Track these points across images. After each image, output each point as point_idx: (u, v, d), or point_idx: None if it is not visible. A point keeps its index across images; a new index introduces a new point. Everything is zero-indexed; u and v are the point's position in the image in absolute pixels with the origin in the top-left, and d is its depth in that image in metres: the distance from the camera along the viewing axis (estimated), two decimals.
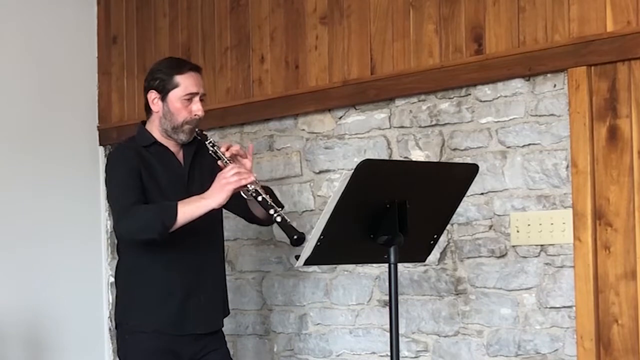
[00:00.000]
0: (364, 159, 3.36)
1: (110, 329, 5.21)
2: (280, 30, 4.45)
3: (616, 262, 3.47)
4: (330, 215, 2.93)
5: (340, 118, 4.26)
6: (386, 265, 3.03)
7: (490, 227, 3.79)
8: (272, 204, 3.37)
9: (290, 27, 4.41)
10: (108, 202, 3.64)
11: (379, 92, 4.08)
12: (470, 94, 3.85)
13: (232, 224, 4.57)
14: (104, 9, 5.25)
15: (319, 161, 4.32)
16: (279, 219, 3.34)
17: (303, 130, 4.39)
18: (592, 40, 3.49)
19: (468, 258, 3.84)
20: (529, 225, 3.67)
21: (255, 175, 3.42)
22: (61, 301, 4.98)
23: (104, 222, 5.25)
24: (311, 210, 4.34)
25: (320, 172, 4.32)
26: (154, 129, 3.63)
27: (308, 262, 3.04)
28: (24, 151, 4.92)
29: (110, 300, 5.22)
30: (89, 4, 5.27)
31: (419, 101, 3.99)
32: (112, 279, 5.20)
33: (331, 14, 4.25)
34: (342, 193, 2.90)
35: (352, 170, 2.89)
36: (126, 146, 3.65)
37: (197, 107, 3.55)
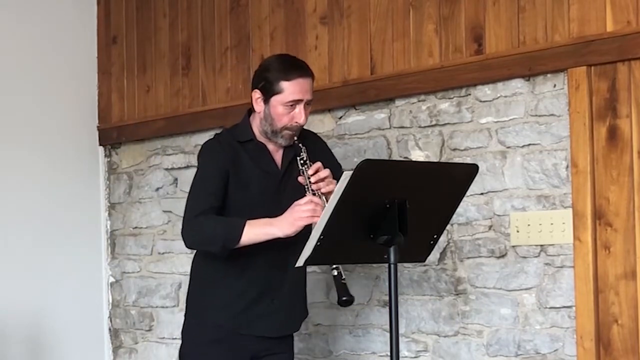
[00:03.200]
0: (364, 159, 3.36)
1: (110, 329, 5.21)
2: (280, 30, 4.45)
3: (616, 262, 3.47)
4: (330, 215, 2.93)
5: (340, 118, 4.26)
6: (386, 265, 3.03)
7: (490, 227, 3.79)
8: None
9: (290, 27, 4.41)
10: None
11: (379, 92, 4.08)
12: (470, 94, 3.86)
13: None
14: (104, 9, 5.26)
15: None
16: (335, 273, 3.22)
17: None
18: (592, 40, 3.49)
19: (468, 258, 3.84)
20: (528, 225, 3.67)
21: None
22: (61, 301, 4.98)
23: (104, 222, 5.24)
24: None
25: None
26: (255, 126, 3.50)
27: (308, 262, 3.04)
28: (23, 151, 4.92)
29: (110, 300, 5.22)
30: (89, 4, 5.27)
31: (419, 101, 3.99)
32: (113, 279, 5.21)
33: (331, 14, 4.25)
34: (342, 193, 2.90)
35: (352, 170, 2.89)
36: (222, 140, 3.52)
37: (299, 115, 3.40)
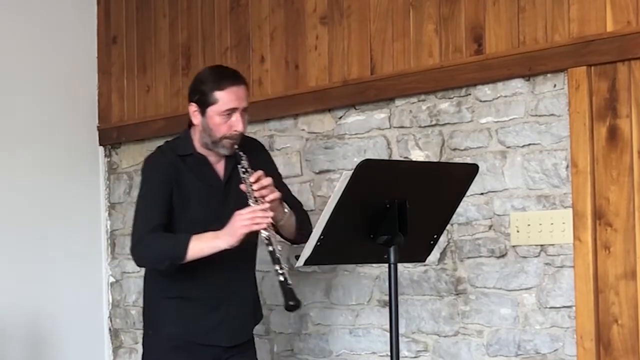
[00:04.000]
0: (364, 159, 3.36)
1: (110, 329, 5.21)
2: (280, 30, 4.45)
3: (616, 262, 3.47)
4: (330, 215, 2.93)
5: (340, 118, 4.26)
6: (386, 265, 3.03)
7: (490, 227, 3.79)
8: (279, 258, 3.26)
9: (290, 27, 4.41)
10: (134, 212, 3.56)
11: (379, 92, 4.08)
12: (470, 94, 3.85)
13: None
14: (104, 9, 5.26)
15: (319, 161, 4.32)
16: (281, 279, 3.24)
17: (303, 130, 4.39)
18: (592, 40, 3.49)
19: (468, 258, 3.84)
20: (529, 225, 3.67)
21: (270, 217, 3.31)
22: (62, 301, 4.98)
23: (104, 222, 5.24)
24: (311, 210, 4.33)
25: (320, 172, 4.32)
26: (195, 138, 3.53)
27: (308, 262, 3.05)
28: (23, 151, 4.92)
29: (110, 300, 5.22)
30: (89, 4, 5.27)
31: (419, 101, 3.99)
32: (113, 279, 5.21)
33: (331, 14, 4.25)
34: (342, 193, 2.90)
35: (352, 170, 2.89)
36: (163, 156, 3.55)
37: (236, 123, 3.43)
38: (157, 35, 5.01)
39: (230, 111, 3.42)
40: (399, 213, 2.99)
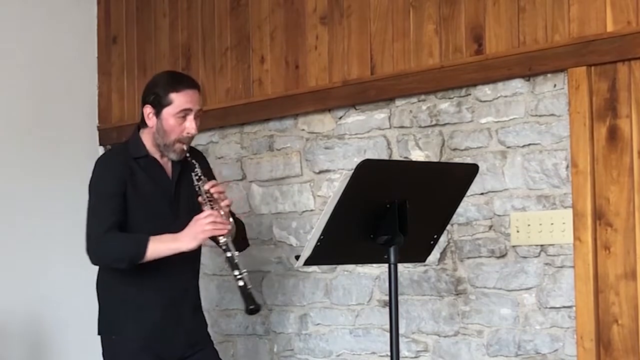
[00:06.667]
0: (364, 159, 3.36)
1: None
2: (280, 30, 4.45)
3: (616, 262, 3.47)
4: (330, 215, 2.93)
5: (340, 118, 4.26)
6: (386, 265, 3.03)
7: (490, 227, 3.79)
8: (238, 264, 3.39)
9: (290, 27, 4.41)
10: (87, 211, 3.62)
11: (379, 92, 4.08)
12: (470, 94, 3.85)
13: None
14: (104, 9, 5.26)
15: (319, 161, 4.32)
16: (240, 284, 3.36)
17: (303, 130, 4.39)
18: (592, 40, 3.49)
19: (468, 258, 3.84)
20: (529, 225, 3.67)
21: (230, 225, 3.44)
22: (61, 302, 4.98)
23: None
24: (311, 210, 4.34)
25: (320, 172, 4.32)
26: (148, 140, 3.62)
27: (308, 262, 3.05)
28: (23, 151, 4.92)
29: None
30: (89, 4, 5.27)
31: (419, 101, 3.99)
32: None
33: (331, 14, 4.25)
34: (342, 193, 2.90)
35: (352, 170, 2.89)
36: (115, 156, 3.67)
37: (190, 125, 3.53)
38: (157, 35, 5.01)
39: (185, 113, 3.52)
40: (399, 213, 2.99)
